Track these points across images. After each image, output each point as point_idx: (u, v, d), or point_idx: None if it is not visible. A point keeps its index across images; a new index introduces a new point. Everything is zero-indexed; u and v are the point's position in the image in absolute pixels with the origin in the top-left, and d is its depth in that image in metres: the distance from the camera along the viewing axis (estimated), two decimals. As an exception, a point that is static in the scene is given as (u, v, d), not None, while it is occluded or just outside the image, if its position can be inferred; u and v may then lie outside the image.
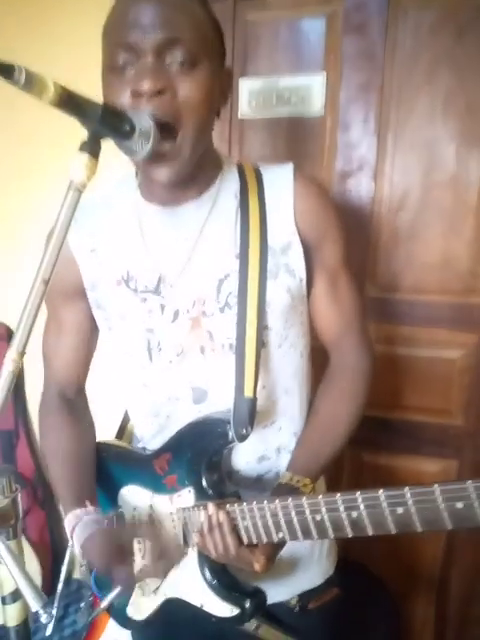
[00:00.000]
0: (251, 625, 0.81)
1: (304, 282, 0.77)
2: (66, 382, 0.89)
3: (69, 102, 0.52)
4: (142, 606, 0.84)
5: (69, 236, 0.76)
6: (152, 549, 0.75)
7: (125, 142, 0.59)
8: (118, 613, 0.87)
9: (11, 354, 0.51)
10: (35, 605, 0.49)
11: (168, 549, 0.79)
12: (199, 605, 0.77)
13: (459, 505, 0.46)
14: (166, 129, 0.62)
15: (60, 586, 1.42)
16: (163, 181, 0.67)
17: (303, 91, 1.23)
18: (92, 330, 0.86)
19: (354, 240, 1.24)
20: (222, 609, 0.74)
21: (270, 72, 1.24)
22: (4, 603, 0.56)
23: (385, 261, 1.25)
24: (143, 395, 0.84)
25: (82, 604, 1.55)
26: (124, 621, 0.88)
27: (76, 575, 1.67)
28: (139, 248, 0.77)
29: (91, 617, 0.82)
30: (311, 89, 1.22)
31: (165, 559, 0.76)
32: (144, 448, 0.89)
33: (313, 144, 1.25)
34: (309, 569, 0.85)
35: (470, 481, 0.46)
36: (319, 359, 0.86)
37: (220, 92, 0.70)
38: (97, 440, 0.91)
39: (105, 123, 0.55)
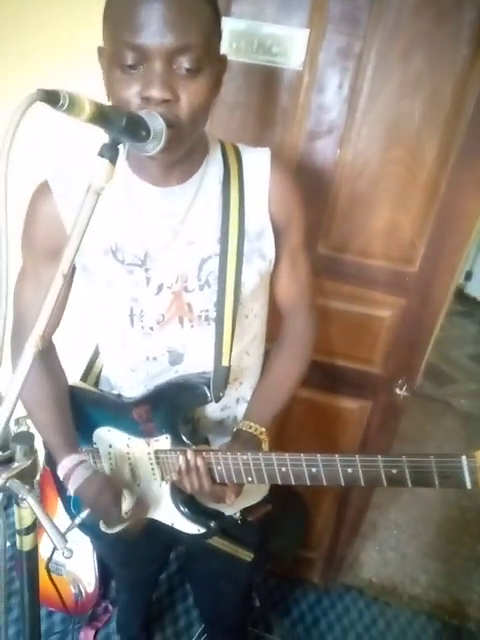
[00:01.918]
0: (201, 536, 1.05)
1: (272, 263, 0.92)
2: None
3: (100, 117, 0.58)
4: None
5: (57, 199, 0.84)
6: (135, 494, 0.91)
7: (137, 143, 0.66)
8: (88, 528, 1.03)
9: (34, 337, 0.60)
10: (59, 544, 0.65)
11: (146, 486, 0.96)
12: (170, 524, 0.98)
13: (394, 471, 0.68)
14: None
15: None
16: (164, 163, 0.77)
17: (285, 42, 1.28)
18: (67, 289, 0.94)
19: (314, 199, 1.40)
20: (191, 528, 0.96)
21: (254, 16, 1.27)
22: (20, 534, 0.71)
23: (339, 223, 1.41)
24: (121, 353, 0.97)
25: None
26: (95, 533, 1.04)
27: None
28: (128, 221, 0.85)
29: (68, 530, 0.99)
30: (293, 42, 1.28)
31: (145, 501, 0.94)
32: (119, 395, 1.03)
33: (287, 98, 1.33)
34: (251, 491, 1.08)
35: (404, 456, 0.67)
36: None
37: (218, 84, 0.78)
38: (70, 384, 1.04)
39: (127, 130, 0.61)
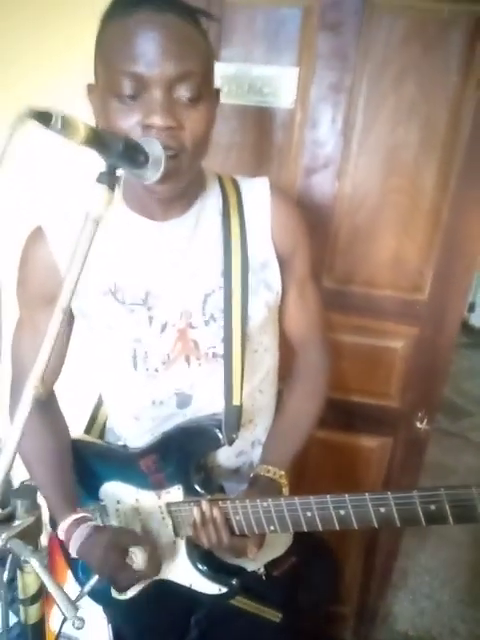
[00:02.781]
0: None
1: (280, 295, 0.88)
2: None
3: (95, 140, 0.56)
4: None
5: (52, 244, 0.82)
6: (147, 549, 0.81)
7: (136, 170, 0.64)
8: (99, 594, 0.95)
9: (32, 379, 0.56)
10: (68, 613, 0.59)
11: (160, 544, 0.89)
12: (188, 585, 0.90)
13: (432, 507, 0.62)
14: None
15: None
16: (165, 195, 0.74)
17: (275, 82, 1.30)
18: (67, 336, 0.91)
19: (315, 234, 1.37)
20: (210, 588, 0.88)
21: (243, 59, 1.29)
22: (25, 604, 0.65)
23: (342, 255, 1.39)
24: (125, 399, 0.92)
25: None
26: (106, 600, 0.97)
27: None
28: (126, 260, 0.82)
29: (77, 599, 0.91)
30: (283, 81, 1.29)
31: (158, 556, 0.85)
32: (125, 446, 0.97)
33: (282, 137, 1.33)
34: (274, 543, 1.00)
35: (442, 488, 0.61)
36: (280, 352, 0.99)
37: (214, 115, 0.76)
38: (73, 437, 0.98)
39: (124, 156, 0.59)
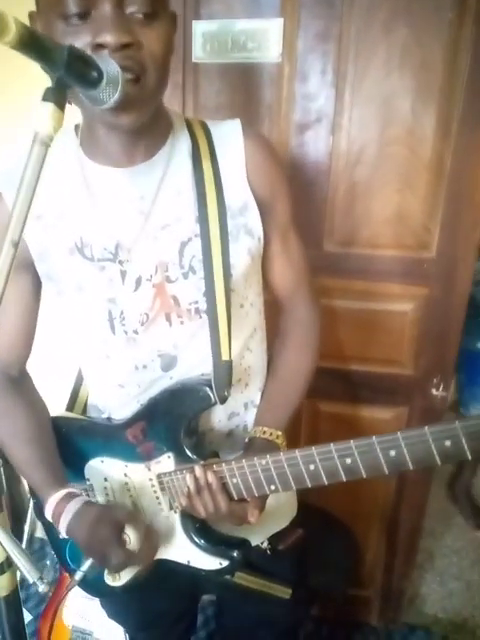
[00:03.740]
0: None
1: (262, 241, 0.82)
2: (9, 362, 0.89)
3: (32, 44, 0.49)
4: (121, 573, 0.87)
5: (9, 202, 0.76)
6: (141, 529, 0.76)
7: (91, 91, 0.58)
8: (92, 583, 0.89)
9: None
10: (31, 577, 0.53)
11: (154, 523, 0.83)
12: (185, 563, 0.84)
13: (447, 443, 0.56)
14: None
15: (23, 546, 1.46)
16: (130, 127, 0.68)
17: (260, 36, 1.24)
18: (35, 304, 0.86)
19: (311, 194, 1.32)
20: (210, 563, 0.81)
21: (224, 15, 1.23)
22: None
23: (342, 216, 1.32)
24: (106, 367, 0.86)
25: (47, 562, 1.60)
26: (100, 589, 0.91)
27: (38, 534, 1.71)
28: (90, 212, 0.77)
29: (68, 590, 0.85)
30: (268, 34, 1.23)
31: (154, 539, 0.80)
32: (109, 418, 0.92)
33: (270, 93, 1.27)
34: (276, 514, 0.94)
35: (457, 421, 0.55)
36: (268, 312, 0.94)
37: (173, 40, 0.70)
38: (53, 415, 0.93)
39: (71, 69, 0.52)
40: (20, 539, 1.30)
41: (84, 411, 0.99)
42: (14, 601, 0.58)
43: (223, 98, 1.29)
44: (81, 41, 0.60)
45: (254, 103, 1.28)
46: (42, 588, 0.50)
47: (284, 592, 0.93)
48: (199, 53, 1.26)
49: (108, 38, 0.59)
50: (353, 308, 1.38)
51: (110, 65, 0.57)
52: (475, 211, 1.25)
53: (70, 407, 1.01)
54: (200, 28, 1.25)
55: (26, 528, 1.65)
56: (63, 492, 0.78)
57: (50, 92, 0.50)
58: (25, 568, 0.49)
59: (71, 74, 0.52)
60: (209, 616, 1.76)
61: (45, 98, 0.50)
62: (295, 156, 1.30)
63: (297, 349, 0.91)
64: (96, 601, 1.50)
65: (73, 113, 0.68)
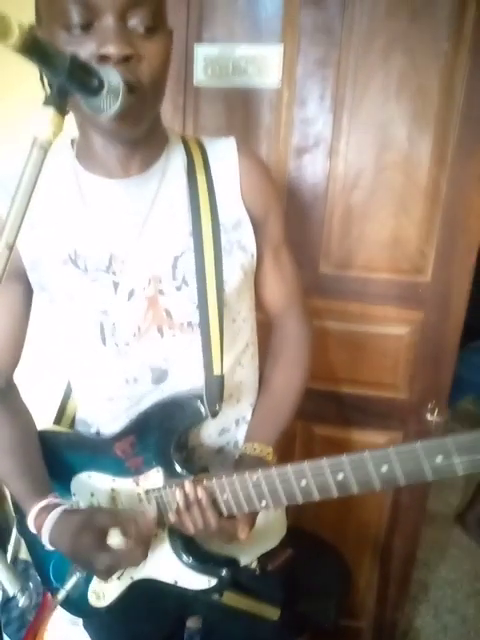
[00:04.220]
0: (215, 594, 0.88)
1: (255, 257, 0.83)
2: None
3: (35, 48, 0.49)
4: (106, 592, 0.87)
5: (4, 211, 0.76)
6: (129, 527, 0.74)
7: (91, 99, 0.58)
8: (75, 603, 0.88)
9: None
10: (12, 589, 0.52)
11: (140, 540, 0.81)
12: (173, 582, 0.82)
13: (438, 459, 0.55)
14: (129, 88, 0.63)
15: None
16: (128, 136, 0.70)
17: (260, 61, 1.27)
18: (25, 315, 0.86)
19: (308, 217, 1.34)
20: (198, 582, 0.80)
21: (226, 39, 1.27)
22: None
23: (339, 239, 1.34)
24: (96, 380, 0.86)
25: (30, 584, 1.56)
26: (84, 610, 0.89)
27: (22, 555, 1.67)
28: (85, 223, 0.78)
29: (53, 608, 0.83)
30: (268, 60, 1.27)
31: (143, 543, 0.79)
32: (97, 433, 0.91)
33: (269, 117, 1.30)
34: (265, 533, 0.93)
35: (449, 436, 0.55)
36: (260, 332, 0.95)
37: (170, 56, 0.71)
38: (39, 429, 0.92)
39: (73, 76, 0.53)
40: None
41: (72, 425, 0.98)
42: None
43: (223, 121, 1.32)
44: (84, 51, 0.61)
45: (253, 127, 1.31)
46: (22, 602, 0.48)
47: (273, 613, 0.91)
48: (200, 77, 1.30)
49: (111, 49, 0.60)
50: (348, 331, 1.39)
51: (111, 75, 0.58)
52: (469, 236, 1.27)
53: (57, 421, 1.00)
54: (202, 52, 1.28)
55: (10, 549, 1.61)
56: (44, 502, 0.77)
57: (51, 97, 0.51)
58: (6, 579, 0.48)
59: (73, 81, 0.53)
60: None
61: (46, 103, 0.51)
62: (293, 180, 1.32)
63: (288, 366, 0.91)
64: (79, 627, 1.46)
65: (69, 126, 0.69)
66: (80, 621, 1.42)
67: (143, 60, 0.64)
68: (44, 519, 0.75)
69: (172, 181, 0.78)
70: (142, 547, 0.72)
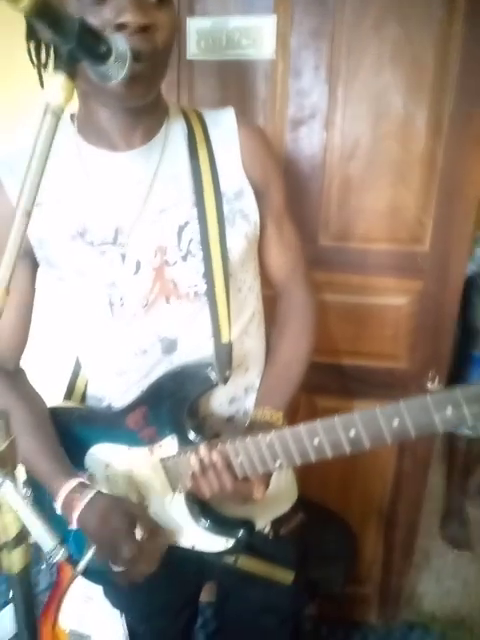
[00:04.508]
0: (230, 558, 0.91)
1: (257, 226, 0.84)
2: (6, 356, 0.89)
3: (46, 12, 0.49)
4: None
5: (8, 189, 0.77)
6: (149, 526, 0.77)
7: (99, 66, 0.59)
8: (96, 570, 0.87)
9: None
10: (48, 545, 0.54)
11: (159, 508, 0.83)
12: (191, 547, 0.84)
13: (448, 411, 0.57)
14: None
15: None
16: (136, 104, 0.70)
17: (253, 33, 1.26)
18: (31, 294, 0.87)
19: (306, 189, 1.35)
20: (216, 544, 0.82)
21: (218, 12, 1.26)
22: (7, 549, 0.57)
23: (337, 210, 1.35)
24: (106, 354, 0.87)
25: (42, 566, 1.58)
26: (105, 577, 0.89)
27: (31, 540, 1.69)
28: (90, 197, 0.78)
29: (73, 578, 0.85)
30: (262, 31, 1.26)
31: (160, 536, 0.80)
32: (109, 407, 0.92)
33: (264, 89, 1.30)
34: (278, 498, 0.96)
35: (458, 387, 0.56)
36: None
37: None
38: (51, 406, 0.93)
39: (82, 42, 0.53)
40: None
41: (81, 402, 0.99)
42: (26, 577, 0.58)
43: (218, 95, 1.31)
44: (101, 18, 0.62)
45: (249, 99, 1.31)
46: (59, 556, 0.50)
47: (287, 577, 0.94)
48: (194, 50, 1.29)
49: (130, 18, 0.61)
50: (349, 302, 1.40)
51: (119, 41, 0.58)
52: (467, 204, 1.28)
53: (67, 398, 1.01)
54: (194, 25, 1.27)
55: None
56: (74, 482, 0.78)
57: (61, 63, 0.51)
58: (42, 535, 0.49)
59: (82, 47, 0.53)
60: (208, 618, 1.76)
61: (56, 69, 0.51)
62: (289, 152, 1.32)
63: (294, 333, 0.93)
64: (94, 604, 1.49)
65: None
66: (94, 596, 1.45)
67: (157, 30, 0.65)
68: (74, 500, 0.76)
69: (174, 152, 0.79)
70: (159, 549, 0.74)
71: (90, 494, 0.77)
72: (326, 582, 1.28)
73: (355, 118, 1.28)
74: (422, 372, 1.43)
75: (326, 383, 1.44)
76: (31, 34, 0.74)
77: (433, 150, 1.26)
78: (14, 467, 0.54)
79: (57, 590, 1.41)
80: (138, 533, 0.74)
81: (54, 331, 0.88)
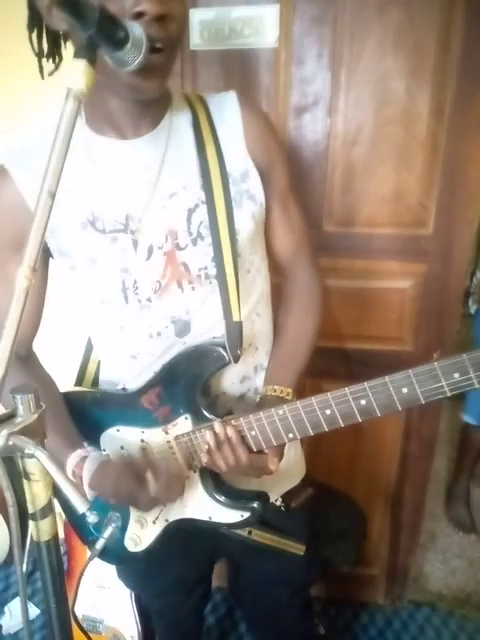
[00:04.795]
0: (244, 531, 0.94)
1: (264, 207, 0.87)
2: (19, 341, 0.91)
3: (69, 1, 0.52)
4: (143, 537, 0.91)
5: (17, 181, 0.79)
6: (163, 474, 0.80)
7: (116, 52, 0.60)
8: (113, 551, 0.92)
9: (23, 270, 0.52)
10: (81, 507, 0.56)
11: (176, 476, 0.86)
12: (207, 518, 0.87)
13: (456, 375, 0.60)
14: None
15: (28, 541, 1.48)
16: (152, 92, 0.71)
17: (256, 22, 1.28)
18: (43, 283, 0.89)
19: (310, 175, 1.37)
20: (232, 517, 0.85)
21: (221, 2, 1.28)
22: (35, 519, 0.60)
23: (340, 196, 1.37)
24: (120, 338, 0.89)
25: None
26: (121, 556, 0.94)
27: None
28: (99, 186, 0.80)
29: (90, 558, 0.88)
30: (264, 20, 1.28)
31: (178, 479, 0.83)
32: (124, 389, 0.94)
33: (268, 78, 1.31)
34: (288, 471, 0.98)
35: (464, 354, 0.59)
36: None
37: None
38: (63, 391, 0.95)
39: (102, 28, 0.55)
40: (25, 536, 1.31)
41: (94, 385, 1.02)
42: (55, 546, 0.60)
43: (221, 84, 1.33)
44: (118, 8, 0.62)
45: (252, 88, 1.33)
46: (92, 519, 0.53)
47: (298, 548, 0.97)
48: (197, 40, 1.31)
49: (148, 7, 0.62)
50: (353, 287, 1.43)
51: (135, 29, 0.60)
52: (469, 187, 1.30)
53: (78, 383, 1.03)
54: (197, 16, 1.29)
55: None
56: (81, 451, 0.82)
57: (82, 50, 0.53)
58: (76, 499, 0.52)
59: (101, 33, 0.55)
60: (218, 602, 1.79)
61: (77, 55, 0.53)
62: (293, 139, 1.34)
63: (301, 311, 0.95)
64: (107, 590, 1.53)
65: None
66: (105, 585, 1.49)
67: (173, 19, 0.66)
68: (82, 465, 0.80)
69: (179, 137, 0.81)
70: (178, 482, 0.77)
71: (96, 459, 0.81)
72: (338, 558, 1.31)
73: (358, 104, 1.29)
74: (427, 354, 1.45)
75: (332, 367, 1.47)
76: (33, 23, 0.75)
77: (436, 134, 1.28)
78: (44, 437, 0.56)
79: (69, 578, 1.45)
80: (151, 482, 0.77)
81: (64, 317, 0.90)
